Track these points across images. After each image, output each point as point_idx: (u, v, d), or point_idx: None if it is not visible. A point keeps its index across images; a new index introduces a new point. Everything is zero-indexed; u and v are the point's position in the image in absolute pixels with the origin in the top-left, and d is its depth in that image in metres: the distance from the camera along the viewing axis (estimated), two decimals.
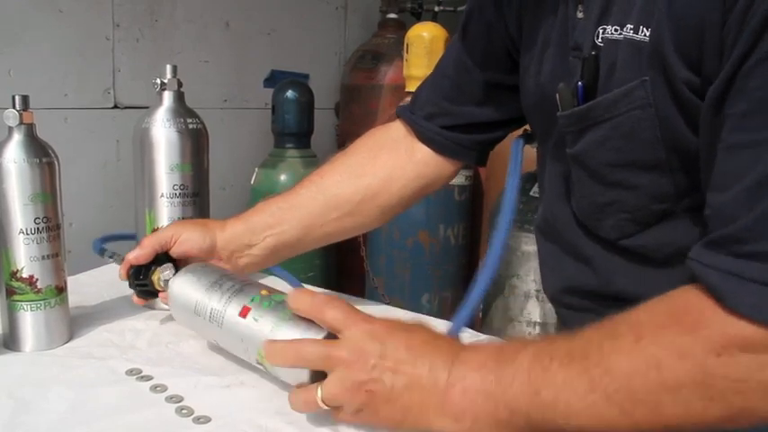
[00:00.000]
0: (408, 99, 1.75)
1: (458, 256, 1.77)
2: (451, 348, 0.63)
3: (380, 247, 1.79)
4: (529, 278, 1.30)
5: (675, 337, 0.55)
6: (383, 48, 2.14)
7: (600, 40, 0.67)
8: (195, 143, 1.12)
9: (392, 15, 2.26)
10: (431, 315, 1.75)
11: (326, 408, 0.62)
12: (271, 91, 1.91)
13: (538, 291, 1.29)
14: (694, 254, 0.57)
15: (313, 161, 1.84)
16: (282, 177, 1.78)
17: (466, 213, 1.77)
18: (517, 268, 1.31)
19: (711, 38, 0.57)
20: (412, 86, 1.78)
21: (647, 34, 0.62)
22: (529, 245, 1.29)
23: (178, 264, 0.91)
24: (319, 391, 0.62)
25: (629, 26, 0.64)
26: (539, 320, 1.32)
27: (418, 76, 1.75)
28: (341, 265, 2.21)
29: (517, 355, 0.59)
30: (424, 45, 1.72)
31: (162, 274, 0.88)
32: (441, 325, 1.13)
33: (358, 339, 0.62)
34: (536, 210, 1.26)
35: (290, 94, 1.80)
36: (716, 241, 0.55)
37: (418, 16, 2.31)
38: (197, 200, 1.13)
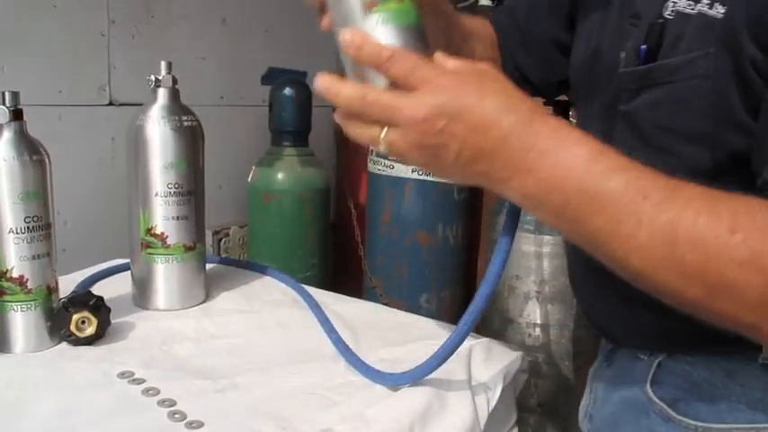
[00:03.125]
0: None
1: (456, 256, 1.75)
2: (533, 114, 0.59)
3: (379, 246, 1.77)
4: (529, 279, 1.29)
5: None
6: None
7: (669, 11, 0.70)
8: (190, 141, 1.10)
9: None
10: (429, 315, 1.74)
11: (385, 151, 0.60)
12: (268, 88, 1.89)
13: (538, 292, 1.28)
14: None
15: (310, 159, 1.82)
16: (279, 176, 1.77)
17: (465, 212, 1.75)
18: (517, 269, 1.30)
19: None
20: None
21: (722, 11, 0.65)
22: (528, 245, 1.28)
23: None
24: (383, 134, 0.60)
25: (705, 1, 0.67)
26: (539, 322, 1.30)
27: None
28: (339, 265, 2.20)
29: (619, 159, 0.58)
30: None
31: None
32: (439, 328, 1.11)
33: (428, 100, 0.59)
34: None
35: (287, 91, 1.78)
36: None
37: None
38: (192, 198, 1.11)
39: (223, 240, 1.84)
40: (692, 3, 0.68)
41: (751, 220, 0.54)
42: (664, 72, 0.70)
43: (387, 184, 1.71)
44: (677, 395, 0.76)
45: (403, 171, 1.67)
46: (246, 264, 1.49)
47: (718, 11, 0.65)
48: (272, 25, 2.08)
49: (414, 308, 1.75)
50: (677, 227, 0.55)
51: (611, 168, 0.57)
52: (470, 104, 0.59)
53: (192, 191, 1.11)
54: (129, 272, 1.14)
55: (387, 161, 1.69)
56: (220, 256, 1.82)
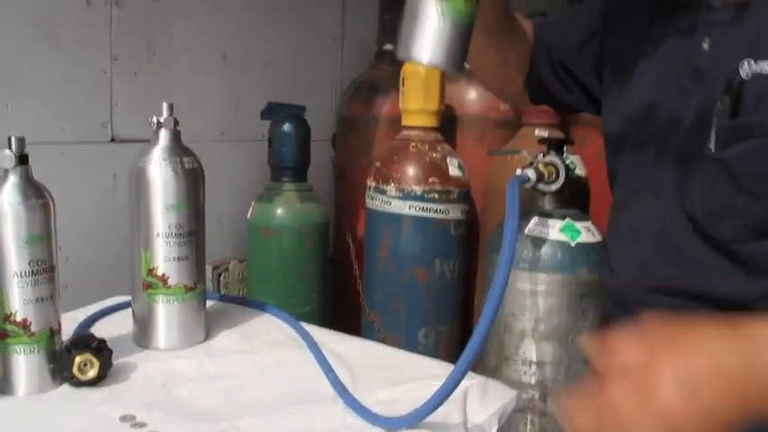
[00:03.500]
0: (406, 132, 1.77)
1: (454, 291, 1.76)
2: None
3: (376, 281, 1.79)
4: (524, 317, 1.30)
5: None
6: (379, 79, 2.15)
7: (746, 73, 0.78)
8: (191, 182, 1.12)
9: (388, 47, 2.27)
10: (427, 349, 1.76)
11: None
12: (267, 123, 1.91)
13: (533, 329, 1.29)
14: None
15: (309, 195, 1.84)
16: (279, 211, 1.78)
17: (462, 248, 1.77)
18: (512, 306, 1.31)
19: None
20: (408, 120, 1.79)
21: None
22: (523, 283, 1.29)
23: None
24: None
25: None
26: (534, 359, 1.31)
27: (414, 109, 1.76)
28: (339, 299, 2.21)
29: None
30: (420, 79, 1.73)
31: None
32: (437, 367, 1.13)
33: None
34: (531, 247, 1.27)
35: (286, 127, 1.80)
36: None
37: None
38: (193, 239, 1.13)
39: (222, 275, 1.86)
40: None
41: None
42: (758, 127, 0.77)
43: (384, 220, 1.73)
44: None
45: (400, 207, 1.68)
46: (246, 301, 1.50)
47: None
48: (272, 60, 2.11)
49: (411, 342, 1.76)
50: None
51: None
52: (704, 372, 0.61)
53: (192, 232, 1.13)
54: (131, 309, 1.16)
55: (384, 197, 1.71)
56: (220, 292, 1.84)
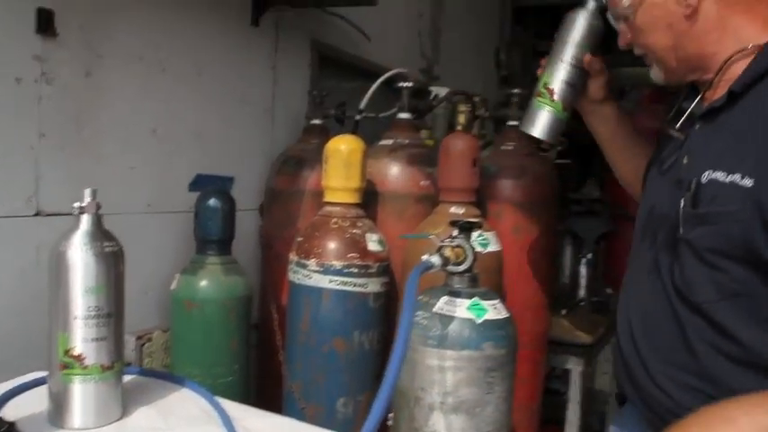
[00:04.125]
0: (328, 208, 1.84)
1: (373, 361, 1.81)
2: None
3: (297, 352, 1.83)
4: (433, 391, 1.36)
5: None
6: (306, 153, 2.22)
7: (705, 179, 1.14)
8: (111, 266, 1.17)
9: (316, 121, 2.35)
10: (346, 419, 1.80)
11: None
12: (196, 195, 1.95)
13: (441, 403, 1.35)
14: None
15: (233, 268, 1.88)
16: (203, 283, 1.81)
17: (380, 320, 1.82)
18: (421, 381, 1.37)
19: None
20: (331, 197, 1.85)
21: (750, 183, 1.06)
22: (432, 359, 1.36)
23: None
24: None
25: (736, 174, 1.09)
26: (443, 431, 1.37)
27: (336, 186, 1.83)
28: (263, 367, 2.24)
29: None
30: (342, 158, 1.80)
31: None
32: None
33: None
34: (439, 325, 1.34)
35: (212, 202, 1.85)
36: None
37: (342, 122, 2.41)
38: (111, 320, 1.17)
39: (146, 345, 1.87)
40: (723, 174, 1.11)
41: None
42: (713, 216, 1.12)
43: (305, 293, 1.78)
44: None
45: (320, 281, 1.74)
46: (165, 375, 1.53)
47: (748, 182, 1.07)
48: (203, 132, 2.16)
49: (331, 412, 1.80)
50: None
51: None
52: None
53: (111, 313, 1.17)
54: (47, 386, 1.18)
55: (305, 270, 1.77)
56: (143, 362, 1.86)
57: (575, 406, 2.73)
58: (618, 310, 1.39)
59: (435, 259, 1.32)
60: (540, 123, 1.56)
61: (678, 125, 1.27)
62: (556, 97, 1.54)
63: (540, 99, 1.56)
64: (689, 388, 1.18)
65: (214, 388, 1.75)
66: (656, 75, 1.35)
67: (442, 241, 1.37)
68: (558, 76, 1.54)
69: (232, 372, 1.85)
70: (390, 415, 1.48)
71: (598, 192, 4.40)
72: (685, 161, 1.23)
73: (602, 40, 1.52)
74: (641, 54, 1.35)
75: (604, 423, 3.93)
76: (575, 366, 2.68)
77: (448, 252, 1.35)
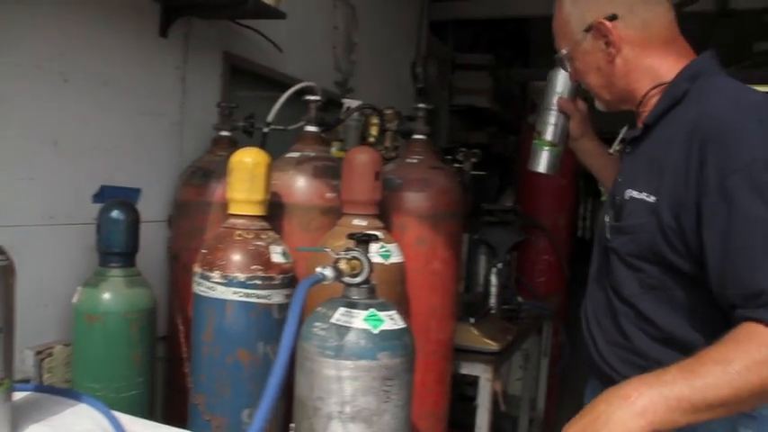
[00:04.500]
0: (232, 220, 1.84)
1: None
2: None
3: (202, 364, 1.82)
4: (331, 401, 1.38)
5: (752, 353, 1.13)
6: (214, 165, 2.22)
7: (626, 197, 1.43)
8: (0, 281, 1.15)
9: (225, 133, 2.35)
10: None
11: None
12: (99, 206, 1.93)
13: (339, 412, 1.38)
14: (740, 313, 1.19)
15: (137, 280, 1.86)
16: (105, 296, 1.79)
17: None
18: (319, 391, 1.39)
19: (686, 210, 1.27)
20: (235, 209, 1.86)
21: (653, 199, 1.35)
22: (329, 369, 1.38)
23: None
24: None
25: (645, 193, 1.38)
26: None
27: (240, 199, 1.84)
28: (171, 379, 2.23)
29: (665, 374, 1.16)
30: (247, 170, 1.82)
31: None
32: None
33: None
34: (336, 336, 1.37)
35: (114, 214, 1.83)
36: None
37: (250, 134, 2.41)
38: (1, 336, 1.16)
39: (46, 360, 1.84)
40: (637, 192, 1.39)
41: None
42: (628, 227, 1.42)
43: (209, 305, 1.78)
44: None
45: (224, 293, 1.75)
46: (60, 390, 1.51)
47: (651, 198, 1.35)
48: (108, 144, 2.14)
49: (236, 423, 1.80)
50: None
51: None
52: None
53: (0, 329, 1.15)
54: None
55: (209, 282, 1.77)
56: (43, 378, 1.83)
57: (483, 412, 2.79)
58: (582, 307, 1.69)
59: (328, 272, 1.35)
60: (542, 162, 1.96)
61: (616, 149, 1.65)
62: (547, 138, 1.94)
63: (536, 141, 1.96)
64: (627, 362, 1.48)
65: (117, 402, 1.74)
66: (598, 104, 1.64)
67: (338, 254, 1.40)
68: (545, 121, 1.94)
69: (136, 385, 1.84)
70: (292, 425, 1.50)
71: (510, 202, 4.53)
72: (619, 180, 1.52)
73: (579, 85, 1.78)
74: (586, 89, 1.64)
75: (517, 427, 4.04)
76: (483, 373, 2.74)
77: (343, 265, 1.38)
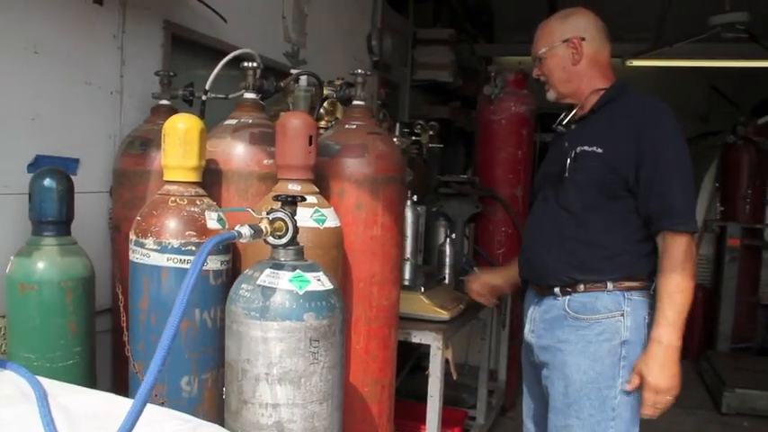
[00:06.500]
0: (167, 187, 1.82)
1: (215, 339, 1.81)
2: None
3: (139, 333, 1.81)
4: (258, 362, 1.38)
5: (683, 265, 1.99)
6: (152, 134, 2.20)
7: (579, 150, 2.12)
8: None
9: (164, 102, 2.33)
10: (191, 397, 1.81)
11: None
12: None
13: (267, 374, 1.38)
14: (662, 225, 2.02)
15: (72, 249, 1.84)
16: (40, 265, 1.78)
17: (222, 297, 1.83)
18: (247, 353, 1.39)
19: (627, 156, 2.05)
20: (169, 175, 1.84)
21: (601, 150, 2.08)
22: (255, 330, 1.38)
23: None
24: None
25: (594, 147, 2.09)
26: (270, 402, 1.40)
27: (174, 165, 1.83)
28: (115, 350, 2.21)
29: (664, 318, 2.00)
30: (179, 136, 1.80)
31: None
32: (157, 414, 1.19)
33: None
34: (261, 297, 1.36)
35: (46, 182, 1.81)
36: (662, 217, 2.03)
37: (190, 103, 2.39)
38: None
39: None
40: (588, 147, 2.10)
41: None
42: (583, 167, 2.10)
43: (144, 273, 1.77)
44: None
45: (158, 259, 1.74)
46: None
47: (599, 150, 2.08)
48: (41, 113, 2.11)
49: (175, 391, 1.80)
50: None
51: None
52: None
53: None
54: None
55: (144, 249, 1.76)
56: None
57: (435, 380, 2.80)
58: (523, 234, 2.43)
59: (245, 230, 1.34)
60: None
61: (564, 125, 2.28)
62: None
63: None
64: (560, 260, 2.15)
65: (53, 372, 1.73)
66: (550, 95, 2.29)
67: (260, 215, 1.39)
68: None
69: (72, 355, 1.83)
70: (224, 389, 1.50)
71: (465, 175, 4.54)
72: (566, 144, 2.20)
73: None
74: (544, 81, 2.27)
75: (476, 397, 4.08)
76: (433, 342, 2.76)
77: (264, 224, 1.37)
